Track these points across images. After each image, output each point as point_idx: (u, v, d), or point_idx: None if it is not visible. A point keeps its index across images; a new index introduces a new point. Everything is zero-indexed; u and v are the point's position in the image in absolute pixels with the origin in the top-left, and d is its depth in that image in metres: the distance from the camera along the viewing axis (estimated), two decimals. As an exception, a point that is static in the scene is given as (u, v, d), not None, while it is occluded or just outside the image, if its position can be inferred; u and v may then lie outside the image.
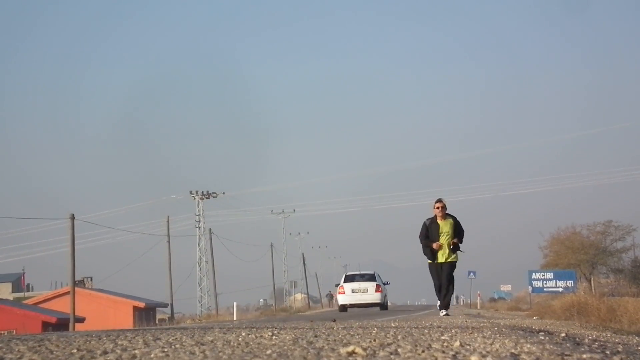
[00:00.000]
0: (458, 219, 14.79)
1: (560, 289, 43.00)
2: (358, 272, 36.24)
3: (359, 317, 18.59)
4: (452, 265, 14.65)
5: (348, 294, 33.15)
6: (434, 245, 14.30)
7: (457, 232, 14.60)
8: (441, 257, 14.51)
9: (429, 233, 14.52)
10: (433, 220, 14.58)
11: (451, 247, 14.41)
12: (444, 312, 14.73)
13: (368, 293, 32.88)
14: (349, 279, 34.37)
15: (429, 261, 14.64)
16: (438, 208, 14.52)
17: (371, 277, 34.10)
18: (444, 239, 14.43)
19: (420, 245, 14.87)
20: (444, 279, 14.61)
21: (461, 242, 14.73)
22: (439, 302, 15.30)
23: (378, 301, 32.99)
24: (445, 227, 14.47)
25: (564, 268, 50.62)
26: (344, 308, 33.61)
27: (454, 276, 15.13)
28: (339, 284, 34.87)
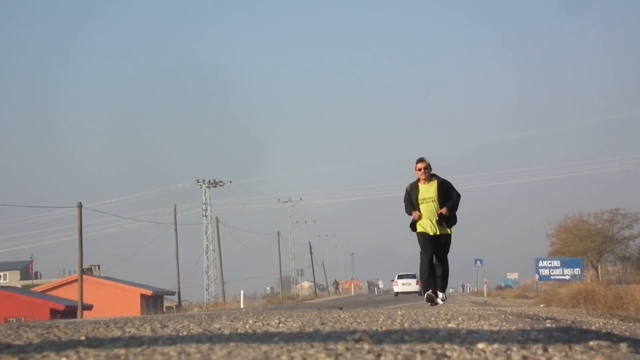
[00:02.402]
0: (449, 181, 12.08)
1: (567, 277, 42.98)
2: (405, 273, 56.02)
3: (366, 305, 18.63)
4: (445, 241, 11.88)
5: (400, 286, 55.18)
6: (413, 214, 11.70)
7: (448, 196, 11.80)
8: (429, 229, 11.75)
9: (411, 199, 11.92)
10: (414, 184, 11.94)
11: (437, 218, 11.64)
12: (440, 298, 11.96)
13: (412, 285, 52.98)
14: (400, 277, 56.11)
15: (416, 232, 11.97)
16: (420, 170, 11.80)
17: (414, 276, 52.43)
18: (426, 207, 11.72)
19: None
20: (437, 256, 11.90)
21: (455, 210, 11.85)
22: (422, 287, 12.52)
23: (417, 290, 47.98)
24: (427, 191, 11.77)
25: (571, 256, 50.56)
26: (397, 294, 53.73)
27: (448, 258, 12.18)
28: (393, 280, 57.95)
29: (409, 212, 11.92)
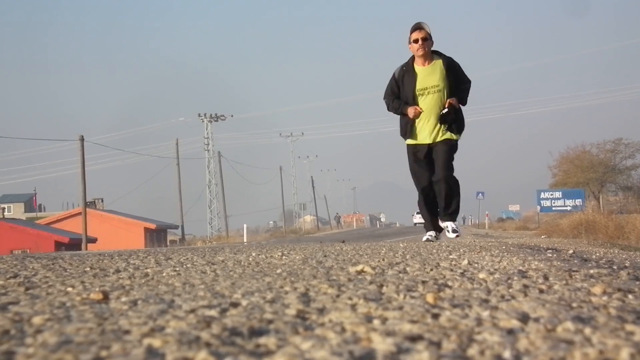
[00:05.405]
0: (456, 62, 8.27)
1: (569, 208, 43.22)
2: None
3: (368, 239, 18.77)
4: (448, 147, 8.25)
5: (418, 218, 65.70)
6: (410, 112, 8.09)
7: (458, 82, 8.21)
8: (427, 136, 8.25)
9: (399, 90, 8.22)
10: (407, 66, 8.13)
11: (444, 112, 8.07)
12: (451, 230, 8.72)
13: None
14: (419, 212, 73.98)
15: (406, 142, 8.43)
16: (417, 42, 7.95)
17: None
18: (429, 100, 8.12)
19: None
20: (438, 170, 8.29)
21: (464, 103, 8.30)
22: (420, 219, 8.90)
23: None
24: (430, 77, 8.08)
25: (573, 187, 50.75)
26: (415, 224, 67.39)
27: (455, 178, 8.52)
28: (413, 214, 74.68)
29: (396, 109, 8.27)
